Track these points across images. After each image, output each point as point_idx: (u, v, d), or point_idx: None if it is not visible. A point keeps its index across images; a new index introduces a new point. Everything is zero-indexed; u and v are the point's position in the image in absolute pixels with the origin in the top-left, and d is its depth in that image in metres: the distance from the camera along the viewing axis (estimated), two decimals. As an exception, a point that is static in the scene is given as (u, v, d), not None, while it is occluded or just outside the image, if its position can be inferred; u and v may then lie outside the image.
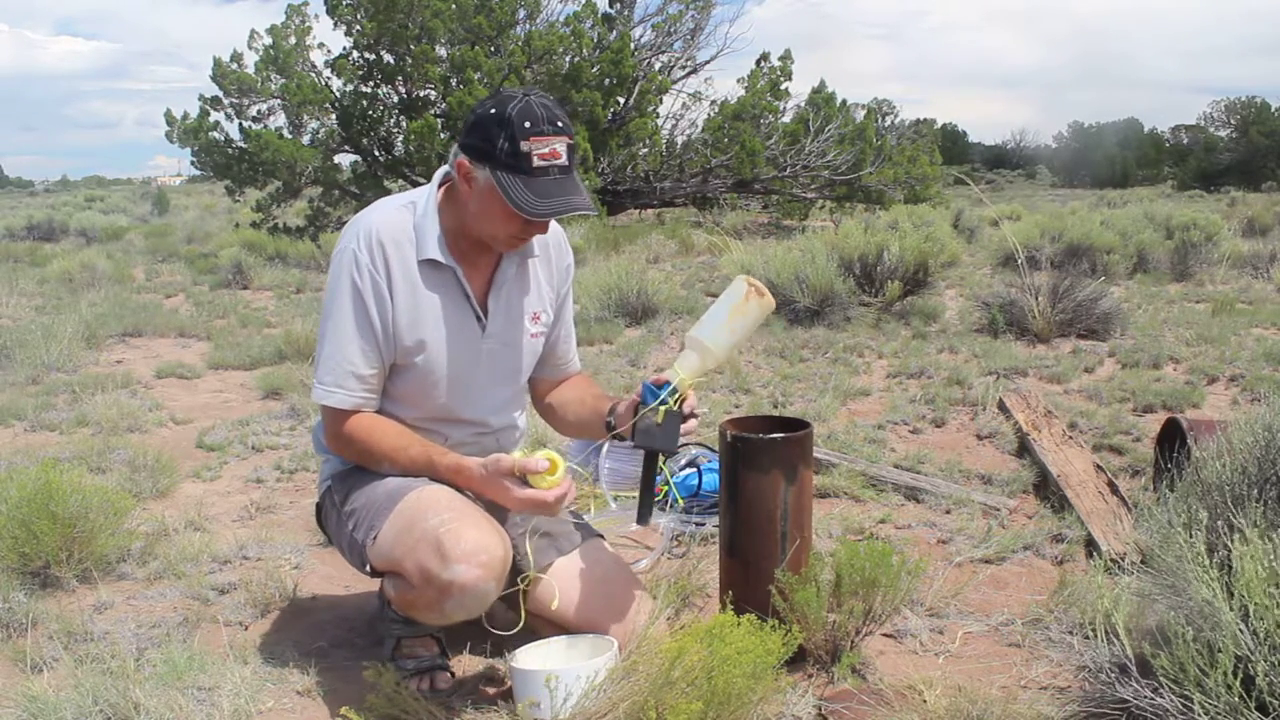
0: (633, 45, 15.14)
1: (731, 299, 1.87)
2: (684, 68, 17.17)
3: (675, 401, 1.84)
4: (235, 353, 5.59)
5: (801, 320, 6.26)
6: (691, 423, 1.87)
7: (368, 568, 1.95)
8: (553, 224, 2.12)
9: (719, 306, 1.88)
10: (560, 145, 1.80)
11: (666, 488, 3.04)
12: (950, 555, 2.73)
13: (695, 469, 3.06)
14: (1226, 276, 8.84)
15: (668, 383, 1.85)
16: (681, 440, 1.88)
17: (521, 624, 1.93)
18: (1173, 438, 3.02)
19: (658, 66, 16.55)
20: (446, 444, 2.02)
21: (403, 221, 1.94)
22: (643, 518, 1.92)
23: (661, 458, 1.96)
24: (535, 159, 1.78)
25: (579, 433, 2.21)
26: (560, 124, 1.81)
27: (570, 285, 2.18)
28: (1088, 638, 1.99)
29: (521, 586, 1.94)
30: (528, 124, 1.78)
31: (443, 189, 1.98)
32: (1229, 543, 1.66)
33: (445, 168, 1.97)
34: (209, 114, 13.91)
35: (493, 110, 1.81)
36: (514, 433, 2.17)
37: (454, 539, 1.75)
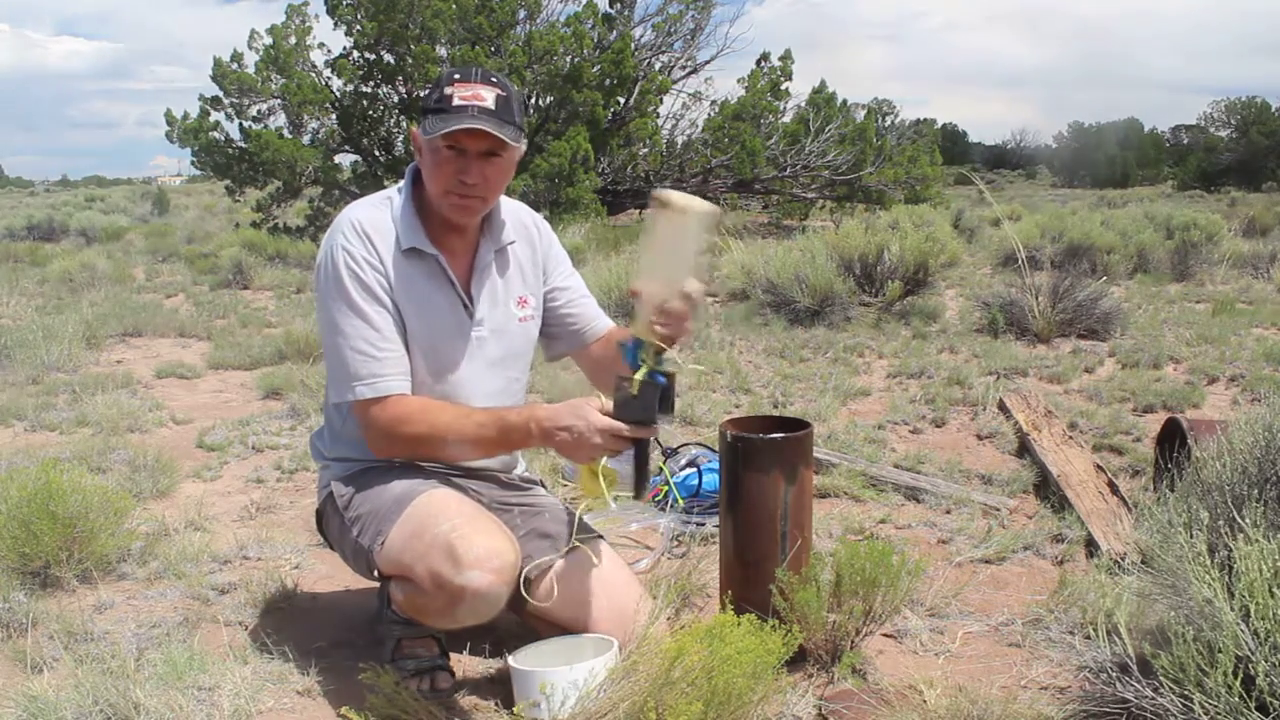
0: (633, 45, 15.14)
1: (648, 227, 1.78)
2: (684, 68, 17.19)
3: (649, 357, 1.76)
4: (235, 353, 5.59)
5: (801, 320, 6.26)
6: (673, 371, 1.77)
7: (375, 573, 1.95)
8: (527, 209, 2.15)
9: (644, 241, 1.80)
10: (486, 92, 1.86)
11: (666, 488, 3.04)
12: (950, 555, 2.72)
13: (695, 469, 3.06)
14: (1227, 276, 8.84)
15: (638, 340, 1.78)
16: (667, 416, 1.79)
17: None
18: (1173, 438, 3.02)
19: (658, 66, 16.56)
20: None
21: (382, 215, 1.96)
22: (639, 492, 1.86)
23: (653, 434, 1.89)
24: (457, 99, 1.85)
25: None
26: (493, 79, 1.88)
27: (559, 258, 2.17)
28: (1088, 637, 1.99)
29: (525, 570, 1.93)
30: (456, 75, 1.88)
31: (416, 184, 2.00)
32: (1229, 543, 1.66)
33: (415, 162, 2.00)
34: (209, 114, 13.93)
35: (436, 80, 1.92)
36: None
37: (466, 545, 1.74)
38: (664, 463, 3.15)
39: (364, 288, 1.90)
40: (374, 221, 1.95)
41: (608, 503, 1.87)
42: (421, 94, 13.90)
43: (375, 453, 1.99)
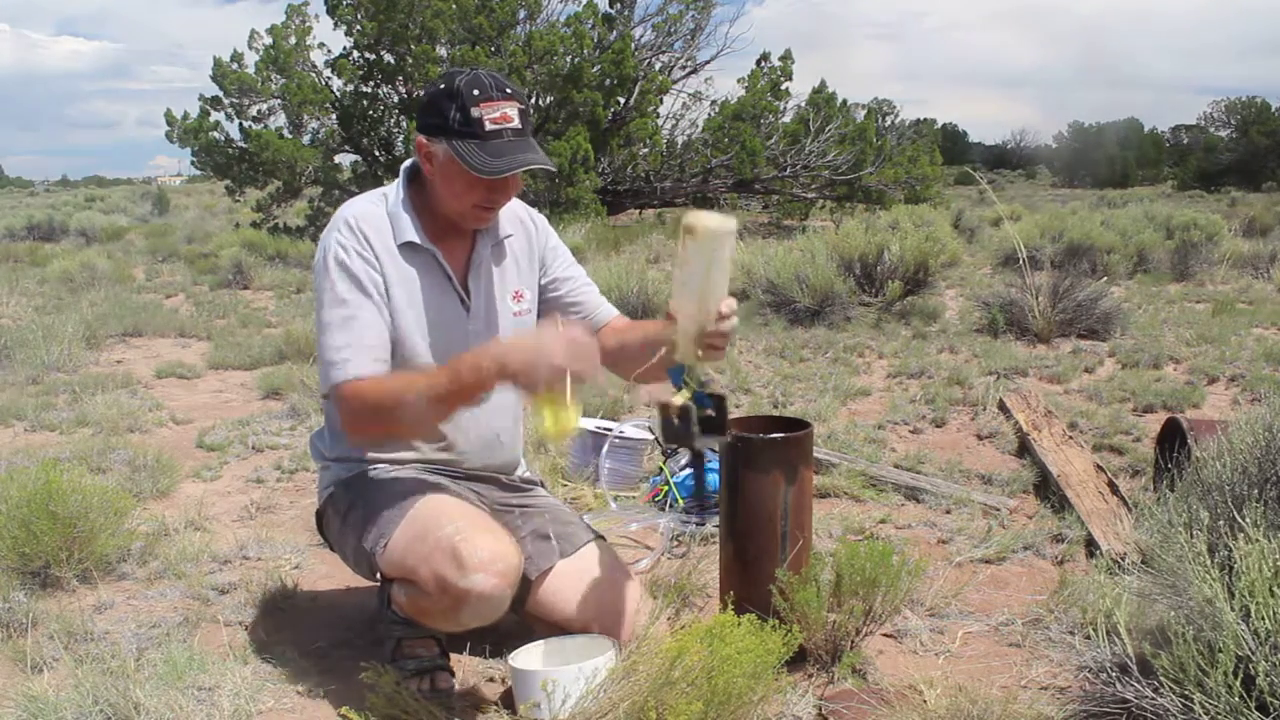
0: (633, 45, 15.15)
1: (677, 254, 1.76)
2: (684, 68, 17.21)
3: (692, 380, 1.79)
4: (235, 353, 5.59)
5: (802, 320, 6.26)
6: (721, 393, 1.82)
7: (377, 575, 1.95)
8: (522, 204, 2.15)
9: (675, 267, 1.77)
10: (511, 109, 1.85)
11: (666, 488, 3.04)
12: (950, 555, 2.72)
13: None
14: (1227, 276, 8.85)
15: (681, 366, 1.80)
16: (703, 436, 1.80)
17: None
18: (1173, 438, 3.02)
19: (658, 66, 16.57)
20: (447, 441, 2.03)
21: (377, 212, 1.96)
22: (699, 500, 1.87)
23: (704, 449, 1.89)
24: (487, 123, 1.83)
25: (657, 375, 2.17)
26: (509, 90, 1.87)
27: (556, 251, 2.17)
28: (1088, 637, 1.99)
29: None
30: (476, 92, 1.84)
31: (412, 183, 2.00)
32: (1230, 543, 1.66)
33: (411, 160, 2.00)
34: (209, 114, 13.94)
35: (442, 86, 1.88)
36: (516, 426, 2.18)
37: (470, 548, 1.74)
38: (664, 463, 3.15)
39: (351, 279, 1.89)
40: (369, 217, 1.94)
41: (568, 436, 1.76)
42: (421, 93, 13.94)
43: (349, 440, 1.95)
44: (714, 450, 2.02)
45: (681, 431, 1.78)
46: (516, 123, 1.85)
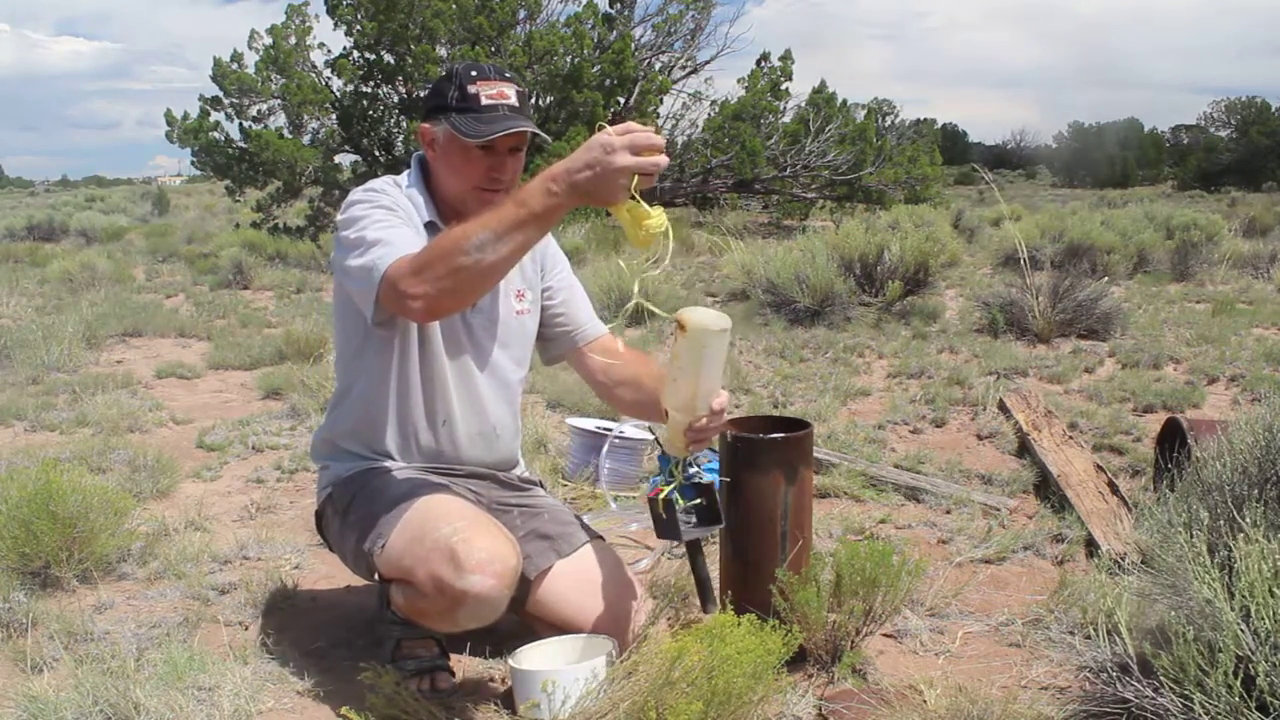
0: (633, 45, 15.14)
1: (671, 346, 1.74)
2: (684, 68, 17.17)
3: (679, 470, 1.83)
4: (235, 353, 5.59)
5: (802, 320, 6.26)
6: (708, 482, 1.85)
7: (375, 576, 1.95)
8: None
9: (669, 360, 1.76)
10: (508, 89, 1.90)
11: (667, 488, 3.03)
12: (950, 555, 2.72)
13: (695, 469, 3.05)
14: (1227, 276, 8.85)
15: (667, 456, 1.84)
16: (695, 527, 1.84)
17: None
18: (1173, 438, 3.02)
19: (658, 66, 16.55)
20: (444, 426, 2.04)
21: (398, 190, 1.98)
22: (705, 603, 1.88)
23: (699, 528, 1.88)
24: (484, 98, 1.88)
25: (639, 414, 2.18)
26: (507, 75, 1.93)
27: (555, 257, 2.19)
28: (1088, 637, 1.99)
29: None
30: (474, 73, 1.90)
31: (422, 172, 2.02)
32: (1230, 543, 1.66)
33: (418, 153, 2.03)
34: (209, 114, 13.93)
35: (443, 74, 1.95)
36: (515, 421, 2.18)
37: (468, 549, 1.74)
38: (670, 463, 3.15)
39: (386, 210, 1.88)
40: (393, 188, 1.97)
41: (659, 238, 1.61)
42: (421, 94, 13.95)
43: (415, 309, 1.72)
44: (713, 539, 2.02)
45: (669, 525, 1.82)
46: (513, 100, 1.90)
